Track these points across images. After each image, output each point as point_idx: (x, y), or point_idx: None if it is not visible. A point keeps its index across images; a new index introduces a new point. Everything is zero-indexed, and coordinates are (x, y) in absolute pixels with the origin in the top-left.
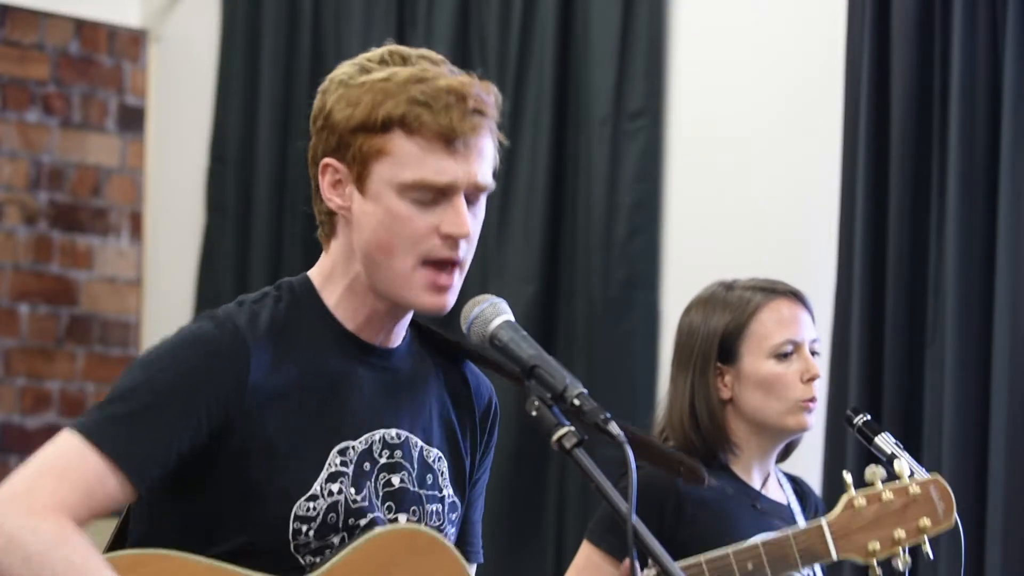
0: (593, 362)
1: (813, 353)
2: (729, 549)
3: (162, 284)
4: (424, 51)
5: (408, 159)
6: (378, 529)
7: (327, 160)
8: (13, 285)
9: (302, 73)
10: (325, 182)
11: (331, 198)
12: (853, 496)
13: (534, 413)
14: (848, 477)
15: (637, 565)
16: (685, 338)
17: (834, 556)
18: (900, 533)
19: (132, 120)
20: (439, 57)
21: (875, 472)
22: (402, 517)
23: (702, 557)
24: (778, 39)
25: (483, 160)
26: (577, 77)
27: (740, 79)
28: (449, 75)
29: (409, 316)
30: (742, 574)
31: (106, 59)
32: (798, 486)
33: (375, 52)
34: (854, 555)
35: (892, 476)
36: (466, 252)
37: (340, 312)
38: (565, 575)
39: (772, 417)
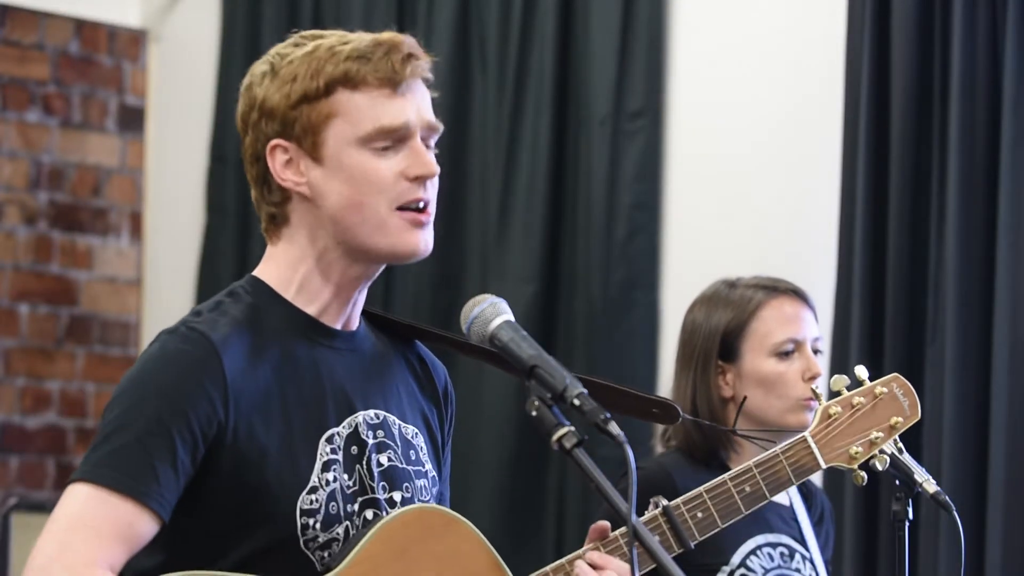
0: (593, 362)
1: (815, 352)
2: (726, 476)
3: (162, 284)
4: (338, 31)
5: (360, 112)
6: (389, 515)
7: (274, 142)
8: (13, 285)
9: None
10: (277, 165)
11: (287, 178)
12: (828, 405)
13: (534, 413)
14: (818, 389)
15: (637, 565)
16: (688, 336)
17: (822, 465)
18: (876, 434)
19: (132, 120)
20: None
21: (839, 380)
22: (396, 495)
23: (702, 488)
24: (778, 39)
25: (427, 101)
26: (577, 77)
27: (740, 79)
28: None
29: (363, 297)
30: (741, 498)
31: (106, 59)
32: (803, 485)
33: (283, 43)
34: (839, 462)
35: (856, 382)
36: (433, 193)
37: (301, 300)
38: None
39: (773, 415)
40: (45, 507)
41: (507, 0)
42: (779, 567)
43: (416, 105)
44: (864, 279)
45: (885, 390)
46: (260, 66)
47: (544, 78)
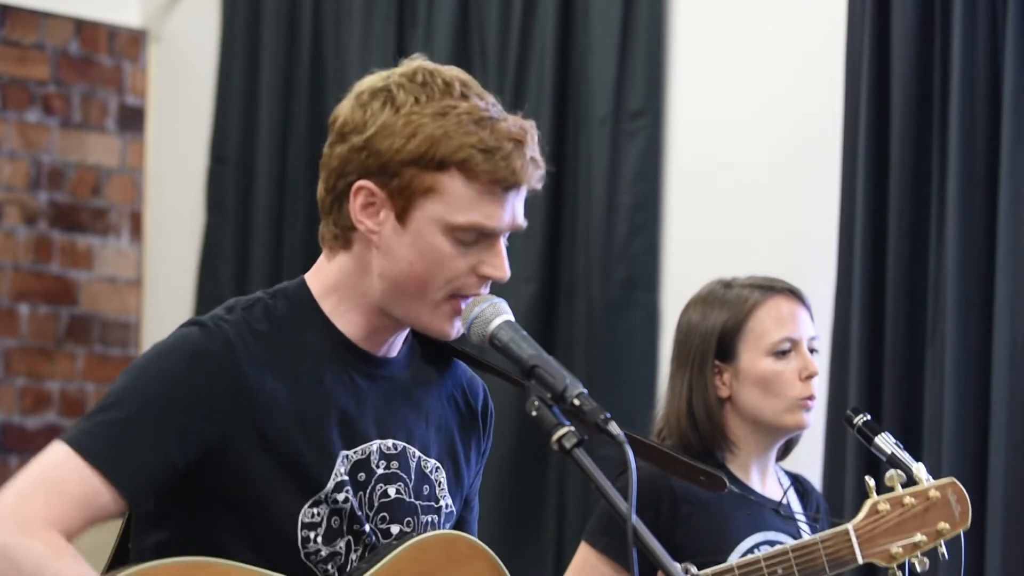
0: (593, 362)
1: (812, 351)
2: (760, 555)
3: (162, 284)
4: (457, 71)
5: (461, 202)
6: (418, 536)
7: (363, 183)
8: (13, 285)
9: (302, 73)
10: (357, 203)
11: (361, 220)
12: (877, 500)
13: (534, 413)
14: (871, 482)
15: (636, 565)
16: (683, 336)
17: (859, 560)
18: (921, 537)
19: (132, 120)
20: (471, 79)
21: (895, 476)
22: (395, 528)
23: (734, 562)
24: (778, 39)
25: (523, 201)
26: (577, 77)
27: (740, 78)
28: (503, 117)
29: (405, 331)
30: None
31: (106, 59)
32: (799, 484)
33: (408, 68)
34: (878, 559)
35: (911, 480)
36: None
37: (342, 322)
38: None
39: (770, 415)
40: None
41: (507, 0)
42: None
43: (513, 208)
44: (864, 279)
45: (938, 494)
46: (379, 83)
47: (544, 78)
